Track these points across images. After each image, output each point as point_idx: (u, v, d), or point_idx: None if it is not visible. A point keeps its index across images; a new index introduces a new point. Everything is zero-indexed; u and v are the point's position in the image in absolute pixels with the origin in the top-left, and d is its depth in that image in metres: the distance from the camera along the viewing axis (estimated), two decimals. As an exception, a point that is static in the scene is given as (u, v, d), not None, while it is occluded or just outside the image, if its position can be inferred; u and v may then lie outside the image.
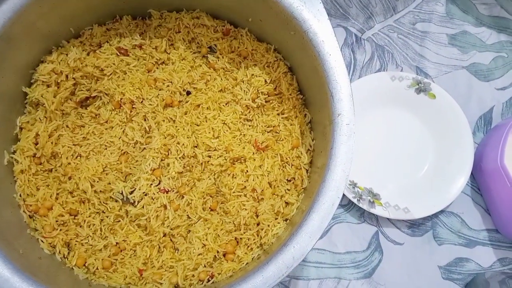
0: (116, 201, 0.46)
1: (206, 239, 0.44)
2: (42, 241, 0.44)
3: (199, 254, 0.44)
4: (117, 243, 0.45)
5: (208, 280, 0.43)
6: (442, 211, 0.57)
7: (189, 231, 0.45)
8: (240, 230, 0.45)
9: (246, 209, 0.45)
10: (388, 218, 0.57)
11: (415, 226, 0.57)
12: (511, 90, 0.62)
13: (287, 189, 0.46)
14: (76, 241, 0.44)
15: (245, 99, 0.47)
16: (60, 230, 0.44)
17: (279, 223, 0.44)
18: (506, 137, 0.52)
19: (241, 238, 0.45)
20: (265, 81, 0.48)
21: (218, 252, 0.44)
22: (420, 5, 0.64)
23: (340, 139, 0.38)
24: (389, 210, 0.55)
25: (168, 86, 0.48)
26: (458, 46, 0.63)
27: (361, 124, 0.59)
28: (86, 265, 0.44)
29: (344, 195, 0.55)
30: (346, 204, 0.58)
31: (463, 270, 0.56)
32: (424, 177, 0.57)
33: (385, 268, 0.56)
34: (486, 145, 0.57)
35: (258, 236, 0.45)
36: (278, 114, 0.48)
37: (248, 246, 0.45)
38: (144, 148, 0.46)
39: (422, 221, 0.57)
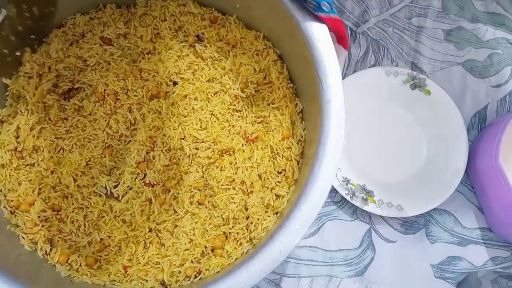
0: (100, 195, 0.44)
1: (194, 234, 0.43)
2: (23, 237, 0.42)
3: (186, 250, 0.42)
4: (101, 239, 0.43)
5: (196, 276, 0.42)
6: (435, 209, 0.56)
7: (176, 225, 0.44)
8: (229, 224, 0.43)
9: (235, 203, 0.43)
10: (381, 216, 0.56)
11: (408, 223, 0.56)
12: (506, 87, 0.61)
13: (278, 182, 0.44)
14: (59, 237, 0.43)
15: (233, 89, 0.46)
16: (42, 226, 0.43)
17: (269, 216, 0.43)
18: (501, 135, 0.51)
19: (230, 233, 0.43)
20: (254, 70, 0.46)
21: (206, 247, 0.43)
22: (416, -1, 0.63)
23: (330, 127, 0.37)
24: (382, 207, 0.54)
25: (154, 76, 0.47)
26: (453, 42, 0.62)
27: (355, 119, 0.58)
28: (69, 262, 0.42)
29: (336, 191, 0.54)
30: (339, 201, 0.57)
31: (455, 269, 0.55)
32: (418, 174, 0.56)
33: (377, 266, 0.55)
34: (481, 142, 0.56)
35: (247, 230, 0.43)
36: (268, 104, 0.47)
37: (238, 241, 0.43)
38: (129, 141, 0.45)
39: (415, 218, 0.56)
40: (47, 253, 0.42)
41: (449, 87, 0.58)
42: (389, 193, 0.55)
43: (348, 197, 0.54)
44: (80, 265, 0.42)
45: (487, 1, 0.63)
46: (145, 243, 0.43)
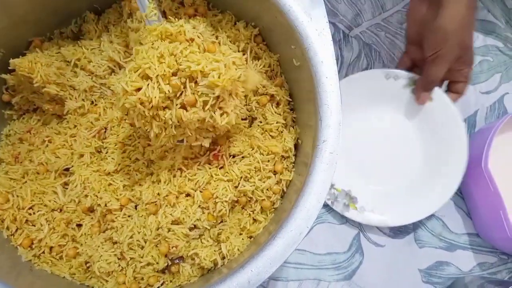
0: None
1: (156, 244, 0.41)
2: None
3: (148, 264, 0.41)
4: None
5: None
6: (424, 214, 0.56)
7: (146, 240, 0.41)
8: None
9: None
10: (370, 220, 0.55)
11: (396, 228, 0.56)
12: (496, 94, 0.62)
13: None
14: (27, 219, 0.42)
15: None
16: (13, 205, 0.41)
17: (243, 239, 0.41)
18: (490, 141, 0.51)
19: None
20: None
21: (170, 260, 0.41)
22: (408, 4, 0.63)
23: (321, 166, 0.36)
24: (363, 215, 0.53)
25: None
26: (445, 48, 0.63)
27: (348, 122, 0.56)
28: (33, 247, 0.41)
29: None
30: (328, 204, 0.56)
31: (443, 274, 0.55)
32: (408, 185, 0.55)
33: (365, 270, 0.54)
34: (470, 148, 0.57)
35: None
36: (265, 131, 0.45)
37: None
38: None
39: (404, 223, 0.56)
40: (12, 233, 0.41)
41: (439, 93, 0.58)
42: (374, 200, 0.54)
43: (329, 202, 0.53)
44: (43, 252, 0.41)
45: (478, 9, 0.64)
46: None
